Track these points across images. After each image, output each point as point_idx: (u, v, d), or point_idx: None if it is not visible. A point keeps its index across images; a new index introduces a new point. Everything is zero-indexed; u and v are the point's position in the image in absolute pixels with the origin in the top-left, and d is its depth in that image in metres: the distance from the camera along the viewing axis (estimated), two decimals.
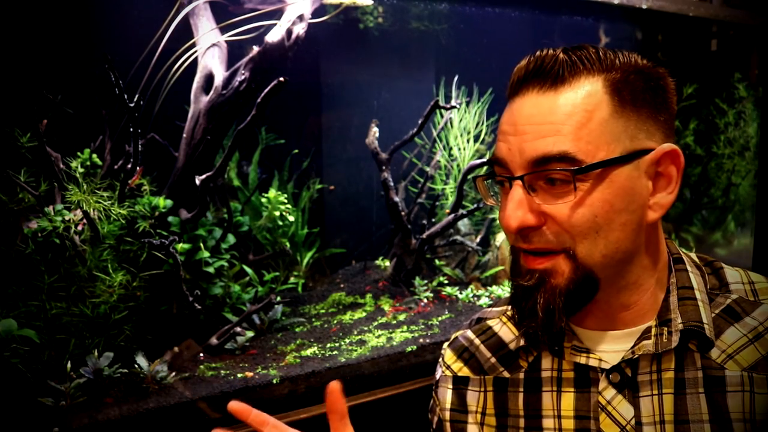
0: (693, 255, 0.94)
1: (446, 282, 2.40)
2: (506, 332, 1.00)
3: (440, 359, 1.06)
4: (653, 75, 0.82)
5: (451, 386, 1.01)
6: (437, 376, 1.05)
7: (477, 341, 1.02)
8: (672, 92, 0.85)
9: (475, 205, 2.28)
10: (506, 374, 0.96)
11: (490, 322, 1.04)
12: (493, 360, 0.98)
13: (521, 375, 0.94)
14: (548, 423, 0.89)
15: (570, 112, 0.78)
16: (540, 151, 0.78)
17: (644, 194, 0.82)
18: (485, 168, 2.49)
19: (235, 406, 0.85)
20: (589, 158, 0.77)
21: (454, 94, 2.52)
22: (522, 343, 0.94)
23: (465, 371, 1.00)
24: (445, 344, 1.08)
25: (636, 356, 0.84)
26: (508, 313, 1.03)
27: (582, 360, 0.88)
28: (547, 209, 0.80)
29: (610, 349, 0.87)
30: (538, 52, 0.82)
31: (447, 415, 1.00)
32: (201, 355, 1.73)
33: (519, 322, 0.89)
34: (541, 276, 0.81)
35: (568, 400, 0.88)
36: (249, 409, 0.86)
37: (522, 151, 0.80)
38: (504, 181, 0.84)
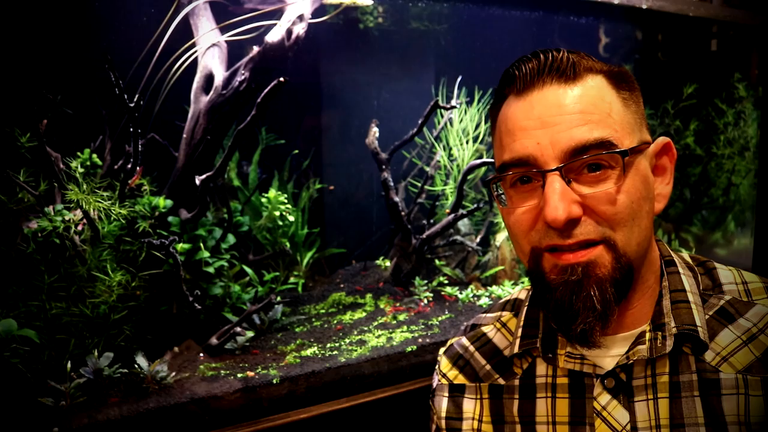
0: (685, 255, 0.94)
1: (446, 282, 2.40)
2: (500, 339, 1.00)
3: (437, 367, 1.06)
4: (627, 74, 0.85)
5: (447, 394, 1.01)
6: (434, 385, 1.05)
7: (472, 348, 1.02)
8: (639, 90, 0.87)
9: (475, 205, 2.28)
10: (501, 381, 0.95)
11: (484, 329, 1.03)
12: (488, 367, 0.98)
13: (516, 382, 0.94)
14: (543, 429, 0.89)
15: (594, 103, 0.79)
16: (577, 140, 0.77)
17: (653, 184, 0.84)
18: (482, 169, 2.49)
19: None
20: (621, 145, 0.79)
21: (454, 94, 2.52)
22: (516, 350, 0.93)
23: (461, 379, 1.00)
24: (441, 350, 1.07)
25: (631, 362, 0.84)
26: (503, 318, 1.03)
27: (576, 367, 0.88)
28: (589, 197, 0.78)
29: (604, 354, 0.87)
30: (542, 51, 0.83)
31: (443, 423, 1.00)
32: (201, 355, 1.73)
33: (565, 323, 0.80)
34: (584, 269, 0.78)
35: (563, 406, 0.88)
36: None
37: (555, 142, 0.78)
38: (533, 177, 0.81)
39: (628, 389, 0.84)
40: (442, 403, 1.01)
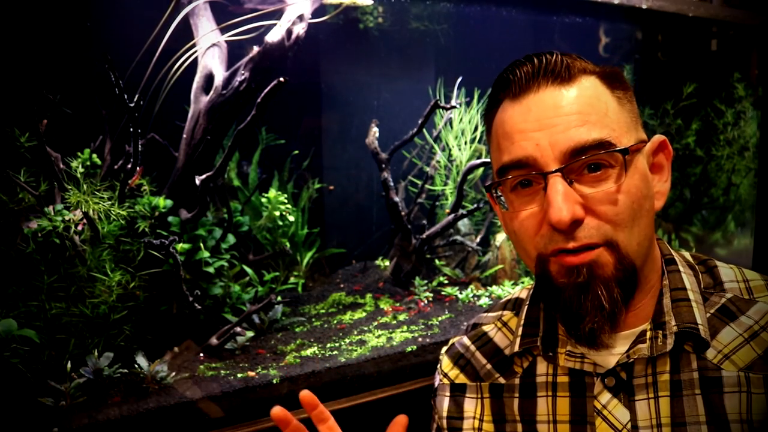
0: (686, 254, 0.94)
1: (446, 282, 2.40)
2: (501, 338, 1.00)
3: (438, 366, 1.06)
4: (619, 75, 0.85)
5: (448, 394, 1.01)
6: (435, 384, 1.05)
7: (473, 348, 1.02)
8: (632, 90, 0.87)
9: (475, 205, 2.28)
10: (502, 380, 0.95)
11: (485, 328, 1.03)
12: (488, 366, 0.98)
13: (516, 381, 0.94)
14: (543, 428, 0.89)
15: (590, 103, 0.80)
16: (576, 140, 0.77)
17: (652, 182, 0.84)
18: (481, 169, 2.50)
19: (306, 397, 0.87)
20: (619, 144, 0.79)
21: (454, 94, 2.52)
22: (517, 348, 0.93)
23: (462, 378, 1.00)
24: (443, 350, 1.07)
25: (631, 360, 0.83)
26: (503, 318, 1.02)
27: (576, 365, 0.87)
28: (590, 198, 0.78)
29: (605, 353, 0.86)
30: (535, 55, 0.83)
31: (444, 423, 1.00)
32: (201, 355, 1.73)
33: (574, 323, 0.81)
34: (589, 270, 0.78)
35: (564, 405, 0.88)
36: (316, 402, 0.87)
37: (554, 143, 0.78)
38: (534, 180, 0.81)
39: (629, 388, 0.84)
40: (444, 403, 1.00)
